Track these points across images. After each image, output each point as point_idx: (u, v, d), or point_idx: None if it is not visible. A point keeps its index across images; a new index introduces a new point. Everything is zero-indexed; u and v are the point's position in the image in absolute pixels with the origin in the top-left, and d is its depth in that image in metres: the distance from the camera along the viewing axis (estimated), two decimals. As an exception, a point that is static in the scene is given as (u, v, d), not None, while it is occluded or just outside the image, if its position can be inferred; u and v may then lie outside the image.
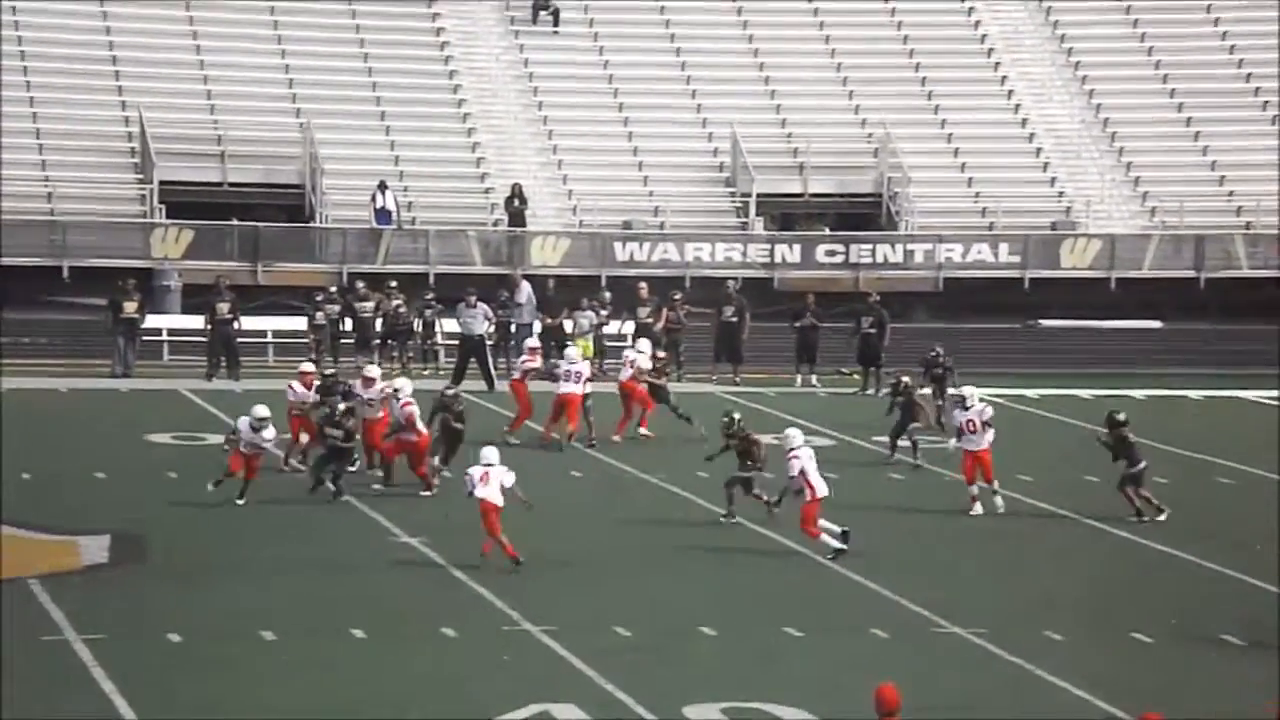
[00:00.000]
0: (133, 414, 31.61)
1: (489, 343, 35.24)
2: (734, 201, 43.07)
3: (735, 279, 38.68)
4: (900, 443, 28.02)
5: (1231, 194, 44.00)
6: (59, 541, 22.65)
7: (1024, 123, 45.45)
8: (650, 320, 36.35)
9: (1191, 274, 42.26)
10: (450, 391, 26.30)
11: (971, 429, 24.89)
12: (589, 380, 29.10)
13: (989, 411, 25.10)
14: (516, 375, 29.91)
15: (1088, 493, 26.33)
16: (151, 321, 36.84)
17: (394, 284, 37.60)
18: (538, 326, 36.11)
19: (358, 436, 25.17)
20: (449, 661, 18.33)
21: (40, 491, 25.32)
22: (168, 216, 40.30)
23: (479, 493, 21.33)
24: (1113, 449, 24.75)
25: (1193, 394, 36.58)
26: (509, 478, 21.43)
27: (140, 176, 41.16)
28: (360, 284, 37.81)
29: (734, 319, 36.39)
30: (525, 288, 37.24)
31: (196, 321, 36.39)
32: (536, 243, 40.96)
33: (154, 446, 28.60)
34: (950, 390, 30.24)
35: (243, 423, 24.02)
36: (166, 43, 43.79)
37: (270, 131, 42.36)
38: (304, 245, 40.64)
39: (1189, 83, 46.16)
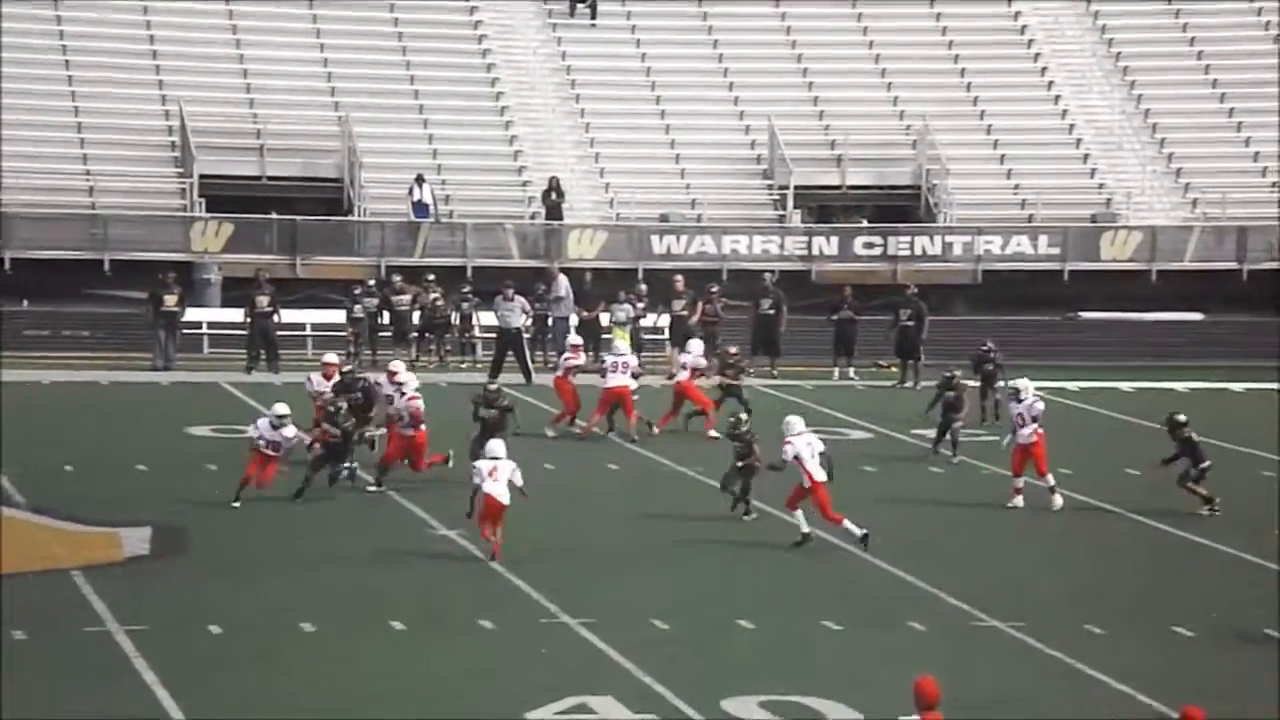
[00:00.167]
0: (173, 407, 31.73)
1: (526, 336, 35.27)
2: (771, 194, 42.96)
3: (772, 271, 38.59)
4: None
5: (1274, 185, 43.71)
6: (101, 533, 22.74)
7: (1064, 114, 45.24)
8: (685, 313, 36.29)
9: (1233, 266, 42.05)
10: (492, 386, 26.26)
11: (1021, 422, 24.86)
12: (636, 375, 28.99)
13: (1039, 406, 25.02)
14: (560, 373, 29.78)
15: (1128, 486, 26.24)
16: (192, 315, 36.94)
17: (431, 277, 37.69)
18: (574, 320, 36.11)
19: (356, 436, 24.92)
20: (487, 654, 18.34)
21: (82, 483, 25.46)
22: (207, 210, 40.44)
23: (487, 487, 21.28)
24: (1178, 453, 24.65)
25: (1235, 386, 36.40)
26: (516, 474, 21.41)
27: (180, 170, 41.30)
28: (398, 277, 37.89)
29: (771, 312, 36.30)
30: (562, 281, 37.20)
31: (236, 315, 36.47)
32: (574, 236, 40.96)
33: (194, 439, 28.69)
34: (999, 383, 30.19)
35: (262, 422, 24.01)
36: (206, 37, 43.91)
37: (309, 125, 42.45)
38: (342, 238, 40.73)
39: (1231, 73, 45.89)
